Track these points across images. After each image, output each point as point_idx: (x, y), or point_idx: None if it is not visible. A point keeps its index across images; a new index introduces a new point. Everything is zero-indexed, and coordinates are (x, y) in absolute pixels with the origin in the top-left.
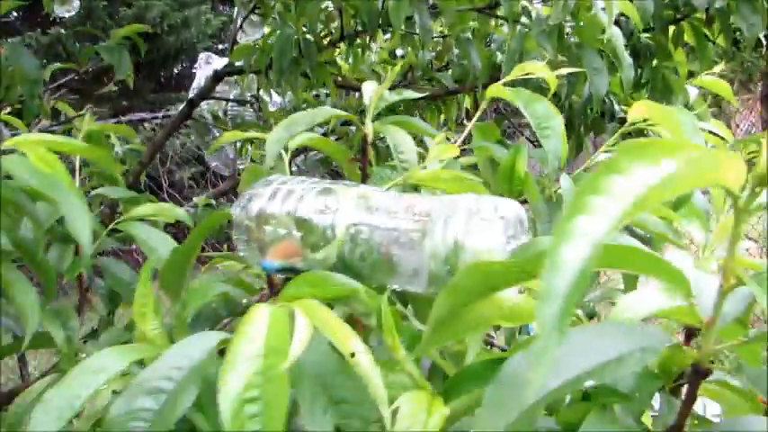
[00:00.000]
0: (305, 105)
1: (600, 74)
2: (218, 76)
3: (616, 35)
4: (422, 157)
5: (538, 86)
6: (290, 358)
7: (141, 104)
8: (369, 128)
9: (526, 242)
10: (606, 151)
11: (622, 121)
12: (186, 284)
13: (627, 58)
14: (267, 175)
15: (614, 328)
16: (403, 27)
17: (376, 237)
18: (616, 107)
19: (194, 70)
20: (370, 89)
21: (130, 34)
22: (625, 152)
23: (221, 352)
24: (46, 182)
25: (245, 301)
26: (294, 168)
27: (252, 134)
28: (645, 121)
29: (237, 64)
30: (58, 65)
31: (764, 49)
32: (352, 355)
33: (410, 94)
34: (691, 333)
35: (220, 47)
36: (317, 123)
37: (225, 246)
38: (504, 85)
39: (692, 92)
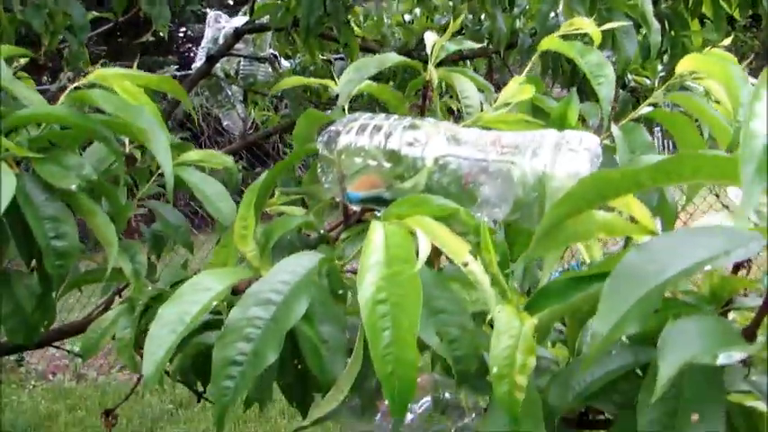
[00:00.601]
0: (313, 68)
1: (629, 37)
2: (238, 34)
3: (646, 0)
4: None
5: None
6: (417, 265)
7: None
8: (433, 74)
9: (635, 158)
10: (649, 104)
11: (633, 90)
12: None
13: (655, 23)
14: (324, 120)
15: (720, 230)
16: None
17: (464, 167)
18: (628, 76)
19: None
20: (431, 38)
21: None
22: None
23: None
24: (136, 114)
25: (321, 232)
26: None
27: (313, 80)
28: (691, 74)
29: (258, 22)
30: (93, 13)
31: (758, 29)
32: (465, 264)
33: (469, 44)
34: (738, 265)
35: (208, 10)
36: (385, 67)
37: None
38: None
39: None
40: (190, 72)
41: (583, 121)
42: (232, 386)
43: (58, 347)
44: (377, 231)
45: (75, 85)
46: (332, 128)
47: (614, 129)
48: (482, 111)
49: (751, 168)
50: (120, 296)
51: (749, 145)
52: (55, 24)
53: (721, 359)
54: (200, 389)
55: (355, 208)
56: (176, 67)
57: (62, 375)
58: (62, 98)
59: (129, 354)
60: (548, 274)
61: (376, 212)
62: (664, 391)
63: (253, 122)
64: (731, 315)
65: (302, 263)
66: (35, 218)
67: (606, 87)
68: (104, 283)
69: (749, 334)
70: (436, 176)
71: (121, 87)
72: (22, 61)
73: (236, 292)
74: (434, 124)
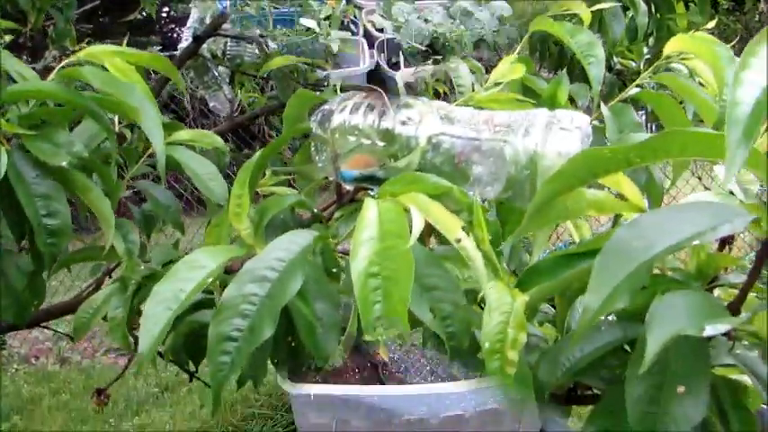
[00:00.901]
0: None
1: (617, 19)
2: (225, 14)
3: None
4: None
5: None
6: (411, 240)
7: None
8: None
9: (624, 136)
10: (637, 85)
11: (619, 72)
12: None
13: (642, 5)
14: (316, 100)
15: (707, 205)
16: None
17: (457, 146)
18: (614, 59)
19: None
20: None
21: None
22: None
23: None
24: (127, 91)
25: (315, 211)
26: None
27: (303, 59)
28: (679, 54)
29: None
30: None
31: (741, 12)
32: (458, 240)
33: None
34: (723, 242)
35: None
36: None
37: None
38: None
39: None
40: (174, 53)
41: (572, 101)
42: (228, 362)
43: (46, 327)
44: (371, 208)
45: (66, 62)
46: (325, 107)
47: (604, 109)
48: (473, 91)
49: (736, 133)
50: (111, 276)
51: (735, 111)
52: (41, 1)
53: (708, 331)
54: (192, 369)
55: (349, 187)
56: (159, 47)
57: (45, 359)
58: (52, 75)
59: (121, 333)
60: (538, 252)
61: (369, 191)
62: (651, 366)
63: (239, 104)
64: (716, 292)
65: (297, 241)
66: (27, 195)
67: (596, 67)
68: (93, 264)
69: (734, 309)
70: (430, 155)
71: (112, 65)
72: (7, 39)
73: (230, 271)
74: (427, 103)
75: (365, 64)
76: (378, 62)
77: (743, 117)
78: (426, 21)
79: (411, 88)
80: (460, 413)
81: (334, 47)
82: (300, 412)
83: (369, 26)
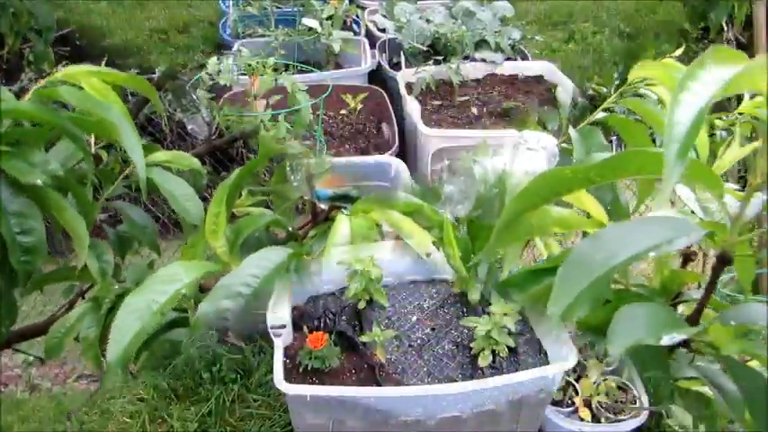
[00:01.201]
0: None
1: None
2: None
3: None
4: None
5: None
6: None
7: None
8: None
9: (587, 157)
10: (604, 109)
11: (591, 98)
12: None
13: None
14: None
15: (665, 220)
16: None
17: None
18: (587, 84)
19: None
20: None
21: None
22: (706, 57)
23: None
24: (104, 109)
25: (290, 229)
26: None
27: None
28: (643, 80)
29: None
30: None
31: (709, 40)
32: (428, 255)
33: None
34: (687, 259)
35: None
36: None
37: None
38: None
39: None
40: (152, 76)
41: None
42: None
43: (17, 350)
44: (343, 223)
45: (43, 83)
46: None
47: (572, 131)
48: None
49: (673, 149)
50: (84, 297)
51: (673, 130)
52: (20, 25)
53: (664, 340)
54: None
55: (323, 206)
56: (137, 70)
57: (14, 386)
58: (29, 95)
59: (93, 353)
60: (509, 267)
61: (342, 210)
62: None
63: (217, 127)
64: (681, 307)
65: (271, 257)
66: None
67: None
68: (65, 287)
69: (692, 321)
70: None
71: (89, 85)
72: None
73: (204, 290)
74: None
75: (367, 64)
76: (379, 62)
77: (679, 136)
78: (428, 21)
79: (412, 89)
80: (457, 414)
81: (336, 47)
82: (297, 413)
83: (371, 26)
